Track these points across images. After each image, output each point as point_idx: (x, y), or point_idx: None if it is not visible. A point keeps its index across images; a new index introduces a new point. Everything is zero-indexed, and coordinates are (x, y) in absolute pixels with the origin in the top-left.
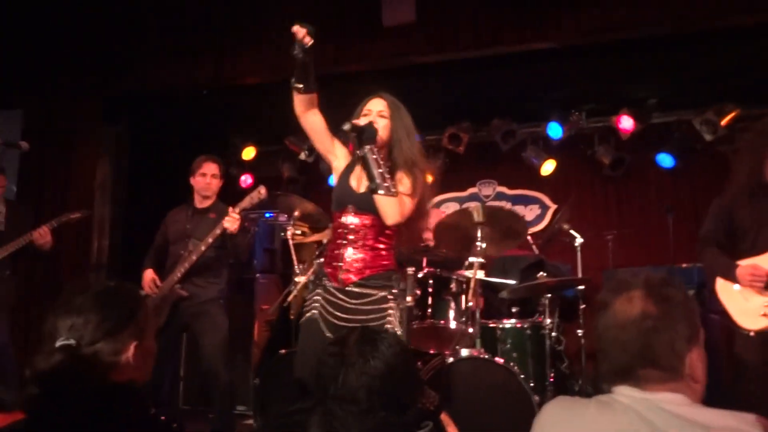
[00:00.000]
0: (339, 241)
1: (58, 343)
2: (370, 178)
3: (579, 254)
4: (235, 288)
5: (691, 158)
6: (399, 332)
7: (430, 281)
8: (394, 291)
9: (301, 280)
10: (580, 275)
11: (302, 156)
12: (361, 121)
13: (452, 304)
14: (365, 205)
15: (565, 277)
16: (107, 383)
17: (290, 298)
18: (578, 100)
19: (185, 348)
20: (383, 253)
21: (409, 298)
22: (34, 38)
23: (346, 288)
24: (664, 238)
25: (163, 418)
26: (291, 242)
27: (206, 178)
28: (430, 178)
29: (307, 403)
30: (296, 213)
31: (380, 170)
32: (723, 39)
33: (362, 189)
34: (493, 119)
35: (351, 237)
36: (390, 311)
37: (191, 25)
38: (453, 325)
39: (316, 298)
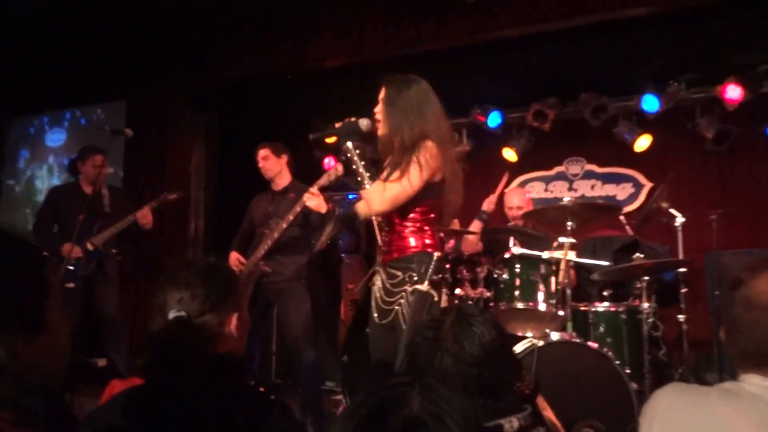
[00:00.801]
0: (375, 225)
1: (171, 315)
2: (350, 174)
3: (680, 235)
4: (321, 268)
5: None
6: (405, 316)
7: (517, 262)
8: (412, 274)
9: None
10: (680, 257)
11: None
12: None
13: (541, 286)
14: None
15: (664, 259)
16: (213, 353)
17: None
18: (676, 70)
19: (276, 323)
20: (406, 234)
21: (425, 283)
22: (133, 34)
23: (386, 268)
24: None
25: (261, 389)
26: (375, 222)
27: (260, 164)
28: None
29: (405, 377)
30: None
31: (356, 167)
32: None
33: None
34: (580, 94)
35: (379, 219)
36: (402, 293)
37: (272, 14)
38: (542, 307)
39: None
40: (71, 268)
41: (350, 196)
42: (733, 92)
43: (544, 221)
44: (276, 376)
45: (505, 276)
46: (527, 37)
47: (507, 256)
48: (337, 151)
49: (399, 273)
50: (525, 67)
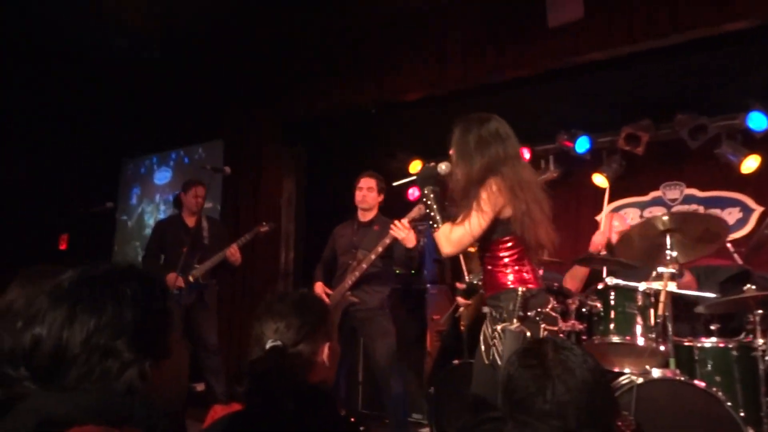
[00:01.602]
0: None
1: (269, 345)
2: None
3: None
4: (405, 299)
5: None
6: (499, 355)
7: (611, 293)
8: (501, 312)
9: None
10: None
11: None
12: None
13: (638, 319)
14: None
15: None
16: (306, 382)
17: (461, 309)
18: None
19: (362, 353)
20: (494, 272)
21: (514, 321)
22: (226, 78)
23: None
24: None
25: (352, 419)
26: (460, 253)
27: (362, 192)
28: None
29: (496, 413)
30: None
31: (430, 211)
32: None
33: None
34: (676, 114)
35: (479, 256)
36: (496, 332)
37: (355, 48)
38: (641, 341)
39: None
40: (175, 295)
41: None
42: None
43: (639, 241)
44: (363, 407)
45: (599, 308)
46: (615, 58)
47: (600, 286)
48: (596, 163)
49: (493, 311)
50: (614, 89)
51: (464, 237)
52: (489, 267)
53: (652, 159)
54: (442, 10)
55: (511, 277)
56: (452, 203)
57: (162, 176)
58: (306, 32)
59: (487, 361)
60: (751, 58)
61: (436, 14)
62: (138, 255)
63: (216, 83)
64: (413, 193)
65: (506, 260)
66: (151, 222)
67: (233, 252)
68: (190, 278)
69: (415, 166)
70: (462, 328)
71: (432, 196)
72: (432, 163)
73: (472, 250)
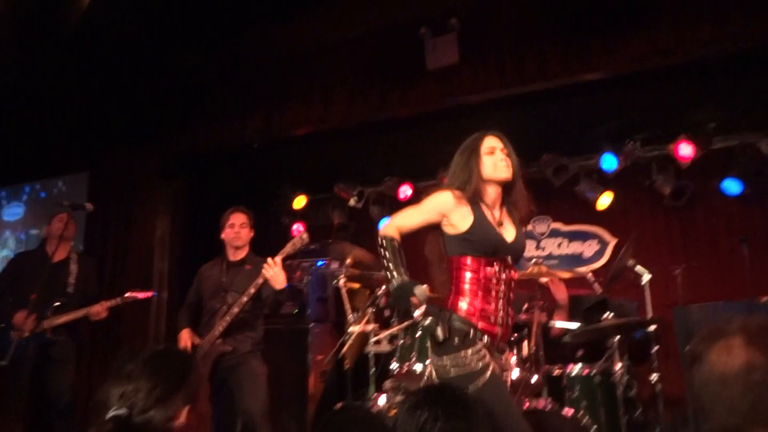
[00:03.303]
0: (491, 294)
1: (109, 414)
2: None
3: (647, 292)
4: (286, 339)
5: (760, 182)
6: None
7: None
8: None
9: (355, 329)
10: (649, 313)
11: (352, 202)
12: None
13: (513, 351)
14: (516, 256)
15: (634, 318)
16: None
17: (345, 348)
18: (632, 129)
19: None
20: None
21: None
22: (97, 104)
23: (500, 345)
24: (738, 269)
25: None
26: (343, 290)
27: (234, 228)
28: None
29: None
30: (348, 260)
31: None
32: None
33: (509, 238)
34: (542, 154)
35: (502, 289)
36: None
37: (240, 83)
38: (515, 374)
39: (483, 352)
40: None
41: (318, 263)
42: (686, 149)
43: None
44: None
45: None
46: (490, 102)
47: None
48: (305, 217)
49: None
50: (488, 129)
51: None
52: (510, 306)
53: None
54: (329, 51)
55: None
56: None
57: (12, 212)
58: (194, 66)
59: None
60: (604, 106)
61: (324, 55)
62: None
63: (81, 109)
64: (297, 229)
65: None
66: None
67: (98, 312)
68: (41, 327)
69: (299, 202)
70: (346, 367)
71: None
72: (495, 156)
73: (356, 286)
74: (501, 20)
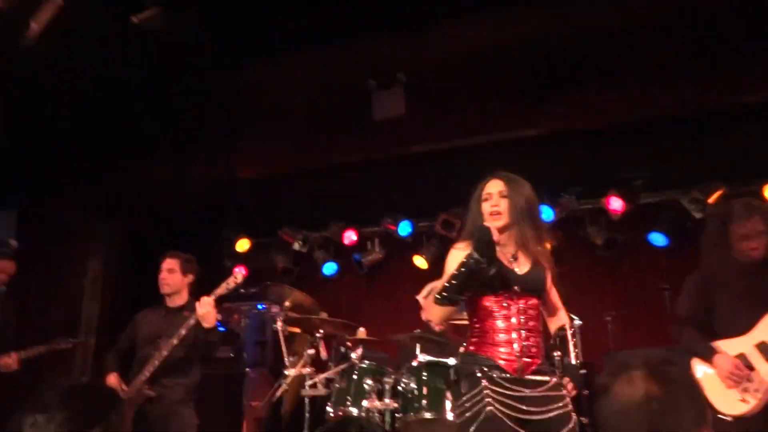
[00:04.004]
0: (504, 325)
1: None
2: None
3: (579, 337)
4: (222, 384)
5: (682, 236)
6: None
7: (424, 370)
8: (559, 376)
9: (291, 372)
10: (580, 359)
11: (296, 246)
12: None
13: (448, 394)
14: (531, 285)
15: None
16: None
17: (280, 392)
18: (568, 183)
19: None
20: (539, 341)
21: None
22: (29, 140)
23: (525, 377)
24: (662, 317)
25: None
26: (282, 334)
27: (161, 274)
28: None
29: None
30: (287, 303)
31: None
32: (705, 120)
33: (518, 269)
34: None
35: (522, 319)
36: (567, 398)
37: (183, 123)
38: (450, 416)
39: (484, 392)
40: None
41: (259, 306)
42: (615, 203)
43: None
44: None
45: (412, 385)
46: (433, 152)
47: (414, 364)
48: (248, 260)
49: (548, 378)
50: (432, 179)
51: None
52: (540, 329)
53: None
54: (279, 94)
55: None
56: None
57: None
58: (135, 102)
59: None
60: (542, 160)
61: (275, 98)
62: None
63: (14, 146)
64: (240, 272)
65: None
66: None
67: (8, 364)
68: None
69: (243, 245)
70: (282, 413)
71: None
72: (491, 204)
73: (296, 330)
74: (446, 76)
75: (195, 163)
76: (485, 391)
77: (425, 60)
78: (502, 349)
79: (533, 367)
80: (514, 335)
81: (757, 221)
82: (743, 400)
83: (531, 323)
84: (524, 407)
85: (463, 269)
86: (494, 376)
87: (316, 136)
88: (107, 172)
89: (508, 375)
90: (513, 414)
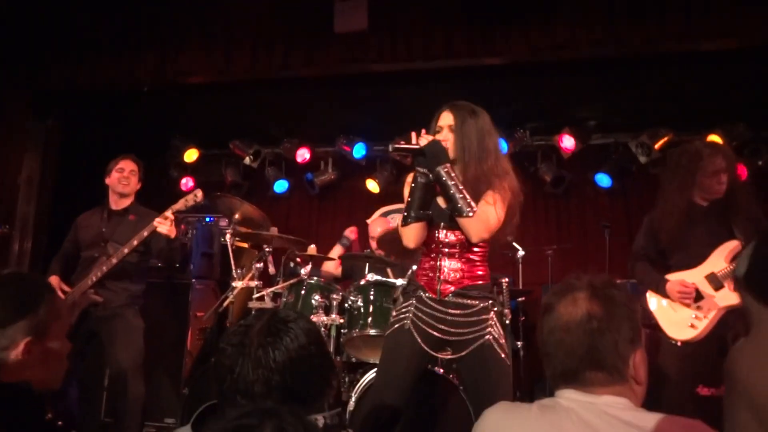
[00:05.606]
0: (433, 255)
1: None
2: (448, 200)
3: (520, 267)
4: (167, 294)
5: (627, 179)
6: (502, 344)
7: (372, 289)
8: (492, 302)
9: (238, 285)
10: (521, 288)
11: (247, 161)
12: (422, 141)
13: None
14: (455, 222)
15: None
16: None
17: (226, 303)
18: (523, 118)
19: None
20: (478, 264)
21: (506, 311)
22: None
23: (445, 299)
24: (601, 254)
25: (60, 423)
26: (230, 247)
27: (124, 173)
28: (514, 181)
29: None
30: (237, 216)
31: (457, 192)
32: (659, 65)
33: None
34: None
35: (446, 250)
36: (491, 322)
37: (132, 20)
38: None
39: (407, 308)
40: None
41: (207, 219)
42: (568, 142)
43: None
44: (106, 415)
45: (359, 303)
46: (394, 72)
47: (362, 282)
48: (196, 171)
49: (475, 302)
50: (391, 101)
51: (495, 223)
52: (471, 258)
53: None
54: None
55: (483, 271)
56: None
57: None
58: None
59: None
60: (500, 92)
61: (230, 2)
62: None
63: None
64: (186, 183)
65: (484, 254)
66: None
67: None
68: None
69: (191, 155)
70: (228, 324)
71: (453, 174)
72: (427, 142)
73: (244, 245)
74: None
75: (142, 65)
76: (410, 308)
77: None
78: (427, 273)
79: (452, 290)
80: (440, 263)
81: (722, 159)
82: (692, 326)
83: (454, 250)
84: (443, 327)
85: (413, 184)
86: (423, 296)
87: (272, 45)
88: (50, 67)
89: (433, 297)
90: (429, 331)
